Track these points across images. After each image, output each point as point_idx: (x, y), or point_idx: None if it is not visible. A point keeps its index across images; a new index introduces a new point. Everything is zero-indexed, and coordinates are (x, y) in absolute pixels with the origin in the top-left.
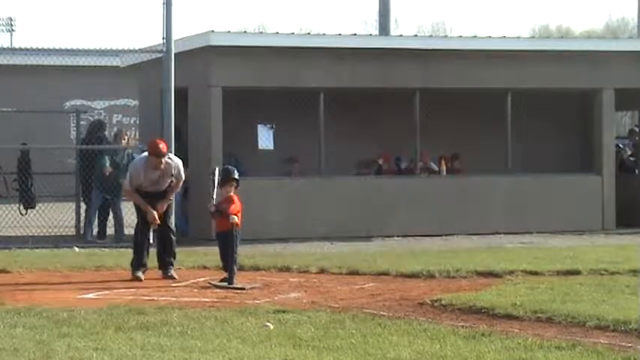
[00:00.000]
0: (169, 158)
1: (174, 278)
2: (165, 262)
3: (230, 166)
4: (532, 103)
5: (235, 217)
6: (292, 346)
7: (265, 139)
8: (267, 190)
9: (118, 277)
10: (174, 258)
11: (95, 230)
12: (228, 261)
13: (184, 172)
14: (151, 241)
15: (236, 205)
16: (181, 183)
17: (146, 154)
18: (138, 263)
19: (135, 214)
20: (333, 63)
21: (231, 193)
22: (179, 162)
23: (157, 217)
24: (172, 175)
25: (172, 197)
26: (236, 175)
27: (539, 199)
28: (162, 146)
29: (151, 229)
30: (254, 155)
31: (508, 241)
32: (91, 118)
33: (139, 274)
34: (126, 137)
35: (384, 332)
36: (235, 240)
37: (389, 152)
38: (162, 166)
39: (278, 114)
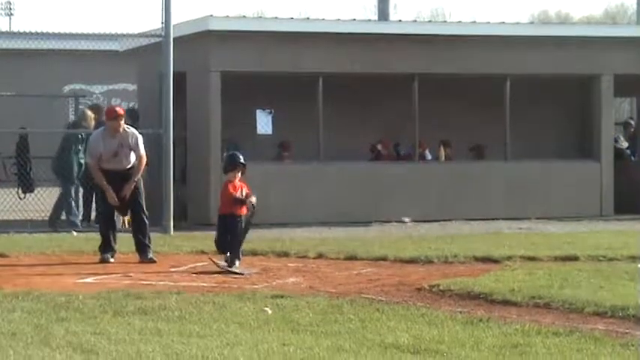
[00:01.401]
0: (128, 127)
1: (155, 261)
2: (142, 246)
3: (236, 152)
4: (531, 88)
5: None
6: (290, 331)
7: (264, 124)
8: (266, 175)
9: (117, 261)
10: (150, 241)
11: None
12: (237, 244)
13: (144, 150)
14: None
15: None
16: (144, 162)
17: (99, 129)
18: (105, 247)
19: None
20: (332, 48)
21: (238, 179)
22: (138, 134)
23: (115, 197)
24: (131, 149)
25: (136, 179)
26: (242, 160)
27: (537, 185)
28: (119, 109)
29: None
30: (253, 140)
31: (506, 226)
32: (89, 102)
33: (107, 256)
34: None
35: (382, 317)
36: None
37: (388, 138)
38: (120, 131)
39: (277, 99)
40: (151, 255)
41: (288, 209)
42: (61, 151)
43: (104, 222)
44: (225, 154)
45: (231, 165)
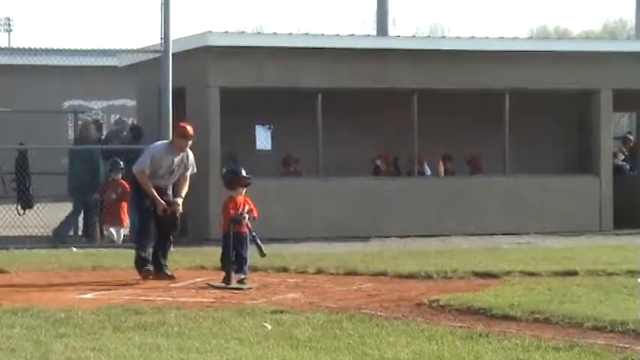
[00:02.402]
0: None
1: (174, 277)
2: (162, 263)
3: (238, 167)
4: (530, 103)
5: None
6: (290, 347)
7: (263, 139)
8: (266, 191)
9: (116, 277)
10: (167, 259)
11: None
12: (242, 261)
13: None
14: None
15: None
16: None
17: (164, 141)
18: (143, 261)
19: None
20: (331, 63)
21: (242, 195)
22: (191, 153)
23: (167, 208)
24: (185, 167)
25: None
26: (245, 174)
27: (537, 200)
28: (190, 128)
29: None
30: (252, 156)
31: (506, 241)
32: (88, 118)
33: (149, 267)
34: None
35: (382, 333)
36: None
37: (387, 153)
38: (187, 150)
39: (276, 114)
40: (170, 273)
41: (287, 224)
42: (70, 167)
43: (144, 238)
44: (224, 170)
45: (234, 181)
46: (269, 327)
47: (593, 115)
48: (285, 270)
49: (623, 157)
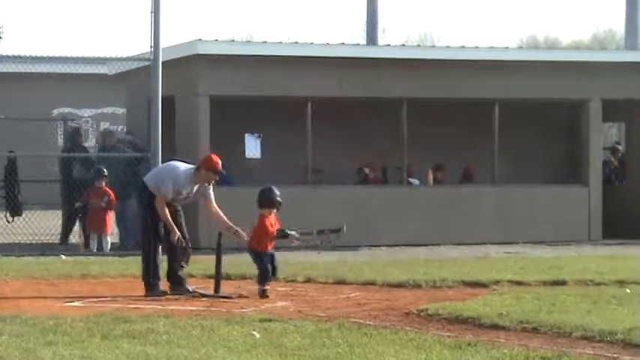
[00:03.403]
0: None
1: (196, 293)
2: (181, 277)
3: (273, 188)
4: (520, 113)
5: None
6: (278, 356)
7: (252, 148)
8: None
9: (105, 285)
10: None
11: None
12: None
13: None
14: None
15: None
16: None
17: (188, 166)
18: (155, 274)
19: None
20: (320, 72)
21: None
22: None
23: (181, 238)
24: (201, 195)
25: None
26: (279, 198)
27: (525, 210)
28: (221, 163)
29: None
30: (241, 164)
31: (495, 251)
32: (77, 125)
33: (159, 283)
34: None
35: (371, 342)
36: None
37: (376, 162)
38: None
39: (265, 123)
40: (188, 286)
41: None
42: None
43: (155, 250)
44: (261, 188)
45: (268, 201)
46: (257, 335)
47: (583, 125)
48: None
49: (613, 166)
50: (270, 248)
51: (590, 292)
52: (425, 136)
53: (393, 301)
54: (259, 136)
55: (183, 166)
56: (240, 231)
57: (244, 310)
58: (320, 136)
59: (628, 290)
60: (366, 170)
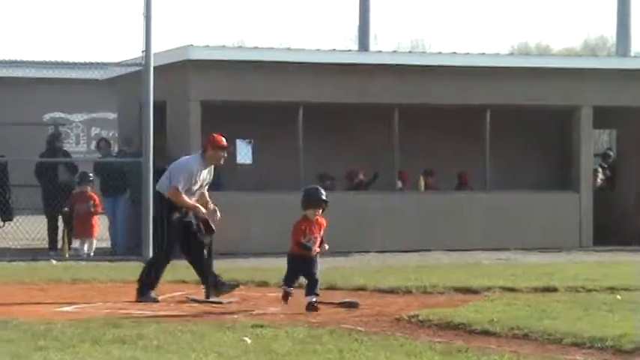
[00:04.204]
0: None
1: (238, 285)
2: (217, 279)
3: (318, 187)
4: (511, 119)
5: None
6: None
7: (244, 153)
8: (247, 205)
9: (95, 290)
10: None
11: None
12: (314, 283)
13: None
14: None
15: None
16: None
17: (194, 155)
18: (154, 284)
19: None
20: (312, 78)
21: (318, 217)
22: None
23: (208, 219)
24: (211, 179)
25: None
26: (324, 197)
27: (517, 216)
28: (223, 138)
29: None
30: (233, 170)
31: (486, 257)
32: (68, 130)
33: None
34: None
35: (361, 348)
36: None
37: (367, 168)
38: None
39: (257, 128)
40: (225, 281)
41: (269, 238)
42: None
43: (166, 258)
44: (305, 188)
45: (313, 202)
46: (249, 341)
47: (574, 132)
48: (265, 284)
49: (602, 176)
50: (313, 254)
51: (581, 299)
52: (416, 142)
53: (383, 307)
54: (251, 142)
55: (188, 158)
56: (218, 212)
57: (235, 316)
58: (311, 142)
59: (619, 297)
60: (361, 176)
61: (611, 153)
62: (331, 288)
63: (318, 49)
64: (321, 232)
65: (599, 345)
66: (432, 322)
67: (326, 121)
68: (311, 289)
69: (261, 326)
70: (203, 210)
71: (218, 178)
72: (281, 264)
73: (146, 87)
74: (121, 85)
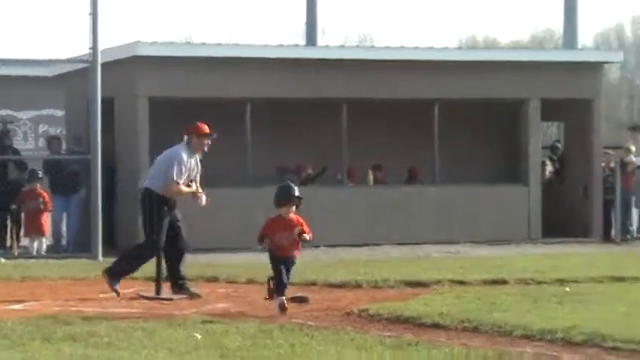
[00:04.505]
0: None
1: (200, 296)
2: (184, 280)
3: (290, 184)
4: (460, 113)
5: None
6: (220, 357)
7: None
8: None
9: (45, 287)
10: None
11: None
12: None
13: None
14: None
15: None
16: None
17: (180, 145)
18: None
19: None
20: (260, 73)
21: (292, 215)
22: None
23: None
24: (198, 169)
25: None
26: (297, 193)
27: (466, 209)
28: (207, 126)
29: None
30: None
31: (435, 250)
32: (16, 128)
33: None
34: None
35: (312, 342)
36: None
37: (317, 162)
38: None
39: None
40: (192, 288)
41: (217, 234)
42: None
43: (153, 254)
44: (279, 185)
45: (286, 199)
46: (199, 337)
47: (522, 125)
48: (215, 280)
49: (552, 168)
50: (288, 254)
51: (531, 291)
52: (365, 136)
53: (334, 302)
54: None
55: (175, 148)
56: (203, 196)
57: (185, 312)
58: (260, 137)
59: (567, 289)
60: (310, 170)
61: (560, 145)
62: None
63: (266, 45)
64: (304, 228)
65: (549, 337)
66: (382, 316)
67: (274, 116)
68: (278, 288)
69: (211, 322)
70: (202, 193)
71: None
72: (230, 259)
73: (93, 84)
74: (68, 82)
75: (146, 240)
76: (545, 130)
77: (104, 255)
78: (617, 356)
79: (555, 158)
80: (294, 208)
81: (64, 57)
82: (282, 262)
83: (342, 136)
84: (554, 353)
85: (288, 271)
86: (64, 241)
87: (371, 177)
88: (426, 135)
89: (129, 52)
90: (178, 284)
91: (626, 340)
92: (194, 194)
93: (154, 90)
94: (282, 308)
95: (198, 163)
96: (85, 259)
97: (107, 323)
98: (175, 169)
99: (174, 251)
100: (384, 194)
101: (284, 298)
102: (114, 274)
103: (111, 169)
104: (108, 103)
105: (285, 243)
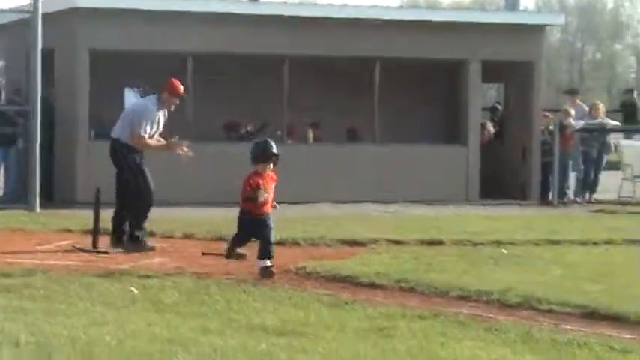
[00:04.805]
0: None
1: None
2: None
3: (268, 140)
4: (401, 72)
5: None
6: (156, 312)
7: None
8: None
9: None
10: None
11: None
12: (268, 245)
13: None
14: None
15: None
16: None
17: (150, 97)
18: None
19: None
20: (202, 28)
21: (269, 171)
22: None
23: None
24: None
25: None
26: (275, 150)
27: (405, 169)
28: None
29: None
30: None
31: (374, 209)
32: None
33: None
34: None
35: (249, 299)
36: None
37: (257, 119)
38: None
39: (146, 78)
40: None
41: (161, 189)
42: None
43: (148, 201)
44: (255, 142)
45: (262, 156)
46: (136, 291)
47: (462, 86)
48: (152, 235)
49: (493, 130)
50: (265, 210)
51: (468, 252)
52: (306, 94)
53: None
54: (139, 91)
55: (145, 102)
56: (185, 148)
57: (122, 266)
58: (201, 92)
59: (504, 251)
60: (249, 127)
61: (500, 107)
62: (219, 239)
63: None
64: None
65: (484, 298)
66: (320, 274)
67: (215, 72)
68: (263, 252)
69: (148, 277)
70: (179, 143)
71: (105, 127)
72: (166, 214)
73: (34, 34)
74: (9, 32)
75: (135, 192)
76: (485, 91)
77: (42, 207)
78: (551, 318)
79: (496, 120)
80: (271, 166)
81: (4, 7)
82: (253, 219)
83: (283, 93)
84: (490, 315)
85: (270, 230)
86: (1, 192)
87: (310, 135)
88: (366, 94)
89: (69, 3)
90: (118, 237)
91: (561, 302)
92: (168, 147)
93: (95, 42)
94: (269, 274)
95: (166, 116)
96: (23, 210)
97: (44, 275)
98: (144, 123)
99: (126, 202)
100: (324, 152)
101: (268, 262)
102: (133, 240)
103: (50, 121)
104: (48, 55)
105: (260, 200)
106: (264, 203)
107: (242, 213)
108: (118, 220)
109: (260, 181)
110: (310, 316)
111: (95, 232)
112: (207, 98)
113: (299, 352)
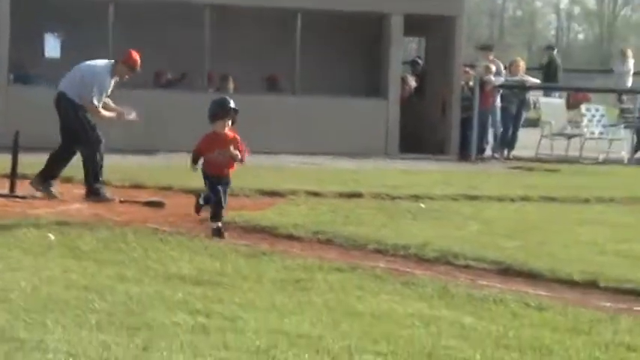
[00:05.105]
0: None
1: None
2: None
3: (225, 97)
4: (323, 24)
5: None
6: (73, 258)
7: (52, 47)
8: (50, 101)
9: None
10: None
11: None
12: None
13: None
14: None
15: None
16: None
17: (105, 62)
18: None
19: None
20: None
21: (228, 129)
22: None
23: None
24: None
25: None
26: (233, 105)
27: (325, 121)
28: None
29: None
30: (41, 63)
31: (293, 161)
32: None
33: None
34: None
35: (166, 248)
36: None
37: (177, 67)
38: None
39: (68, 23)
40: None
41: None
42: None
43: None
44: (212, 100)
45: (221, 111)
46: (52, 237)
47: (384, 39)
48: (69, 181)
49: (415, 84)
50: (223, 172)
51: (386, 206)
52: (227, 43)
53: (189, 208)
54: (59, 36)
55: (99, 63)
56: (131, 116)
57: (39, 212)
58: (122, 40)
59: (422, 205)
60: (169, 75)
61: (420, 61)
62: (137, 187)
63: None
64: (240, 145)
65: (402, 252)
66: (238, 225)
67: (137, 19)
68: (216, 213)
69: (66, 223)
70: (123, 111)
71: (26, 72)
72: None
73: None
74: None
75: (85, 144)
76: (406, 45)
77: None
78: (468, 274)
79: (417, 74)
80: (230, 122)
81: None
82: (217, 181)
83: (205, 41)
84: (407, 269)
85: (225, 192)
86: None
87: (231, 85)
88: (287, 44)
89: None
90: (44, 180)
91: (477, 258)
92: (118, 119)
93: None
94: (219, 234)
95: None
96: None
97: None
98: (94, 87)
99: (63, 151)
100: (244, 102)
101: (220, 223)
102: (93, 193)
103: None
104: None
105: (221, 160)
106: (217, 165)
107: (206, 171)
108: (52, 162)
109: (202, 146)
110: (227, 266)
111: (13, 176)
112: (128, 46)
113: (215, 302)
